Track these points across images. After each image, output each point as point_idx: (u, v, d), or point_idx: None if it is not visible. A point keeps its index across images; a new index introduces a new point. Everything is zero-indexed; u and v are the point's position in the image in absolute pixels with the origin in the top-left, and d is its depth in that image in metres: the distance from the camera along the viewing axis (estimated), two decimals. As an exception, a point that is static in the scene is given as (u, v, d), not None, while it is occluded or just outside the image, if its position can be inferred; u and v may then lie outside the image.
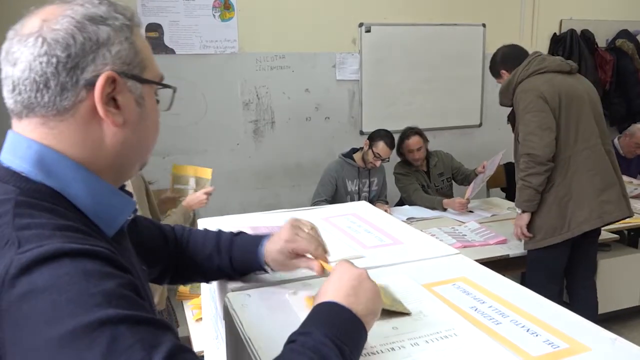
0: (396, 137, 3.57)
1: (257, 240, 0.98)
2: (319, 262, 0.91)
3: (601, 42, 5.05)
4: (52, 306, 0.53)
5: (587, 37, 4.96)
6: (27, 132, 0.68)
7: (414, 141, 3.56)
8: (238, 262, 0.99)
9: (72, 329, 0.52)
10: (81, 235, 0.62)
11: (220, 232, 1.04)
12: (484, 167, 3.48)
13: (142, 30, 0.75)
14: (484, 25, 4.70)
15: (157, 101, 0.79)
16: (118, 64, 0.69)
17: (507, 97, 2.64)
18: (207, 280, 1.09)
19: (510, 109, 2.73)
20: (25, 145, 0.67)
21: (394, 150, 3.56)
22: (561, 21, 4.97)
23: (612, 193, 2.52)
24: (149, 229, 0.99)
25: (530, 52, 2.70)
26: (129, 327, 0.54)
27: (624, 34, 5.09)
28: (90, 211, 0.69)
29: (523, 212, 2.58)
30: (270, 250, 0.94)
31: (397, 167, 3.73)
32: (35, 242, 0.57)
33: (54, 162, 0.67)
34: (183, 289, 2.35)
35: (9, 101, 0.69)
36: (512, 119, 2.74)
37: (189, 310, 2.17)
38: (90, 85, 0.67)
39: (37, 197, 0.64)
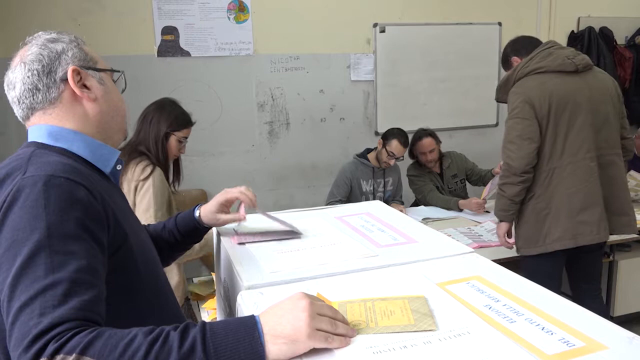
0: (411, 137, 3.55)
1: (194, 206, 1.32)
2: (242, 212, 1.27)
3: (620, 39, 4.97)
4: (18, 218, 0.83)
5: (605, 34, 4.88)
6: (36, 122, 1.01)
7: (426, 143, 3.54)
8: (181, 224, 1.31)
9: (13, 240, 0.81)
10: (74, 171, 0.90)
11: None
12: (500, 168, 3.44)
13: (86, 46, 1.08)
14: (499, 24, 4.66)
15: (115, 82, 1.12)
16: (76, 62, 1.02)
17: (503, 93, 2.48)
18: (171, 252, 1.35)
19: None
20: (37, 128, 1.01)
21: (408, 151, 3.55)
22: (579, 19, 4.90)
23: (593, 213, 2.31)
24: None
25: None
26: (47, 256, 0.79)
27: (644, 30, 5.01)
28: (90, 157, 1.02)
29: (501, 221, 2.48)
30: (205, 207, 1.29)
31: (410, 169, 3.71)
32: (32, 172, 0.87)
33: (58, 132, 1.00)
34: (198, 289, 2.37)
35: (18, 112, 1.03)
36: None
37: (204, 311, 2.18)
38: (64, 79, 1.00)
39: (50, 149, 0.97)
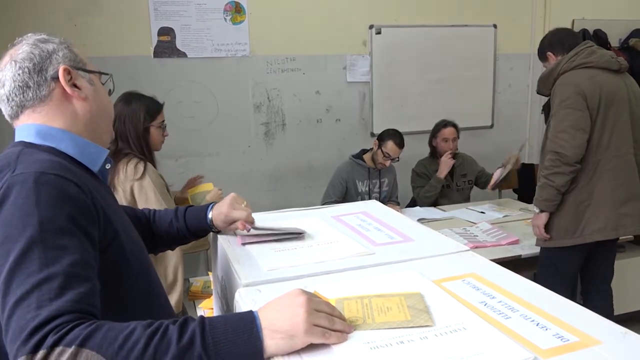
0: (407, 138, 3.57)
1: (204, 208, 1.30)
2: (244, 224, 1.23)
3: (614, 41, 5.00)
4: (10, 215, 0.83)
5: (599, 36, 4.91)
6: (24, 122, 1.02)
7: (450, 131, 3.66)
8: (191, 224, 1.30)
9: (6, 237, 0.81)
10: (63, 168, 0.91)
11: (175, 207, 1.38)
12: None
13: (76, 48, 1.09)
14: (494, 26, 4.68)
15: (103, 85, 1.13)
16: (67, 62, 1.03)
17: (546, 86, 2.51)
18: (171, 245, 1.38)
19: (547, 98, 2.60)
20: (26, 127, 1.01)
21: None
22: (573, 21, 4.93)
23: (634, 206, 2.41)
24: (128, 213, 1.24)
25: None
26: (41, 251, 0.79)
27: (637, 33, 5.03)
28: (78, 156, 1.02)
29: (541, 211, 2.48)
30: (215, 216, 1.27)
31: (419, 165, 3.77)
32: (22, 169, 0.88)
33: (47, 131, 1.00)
34: (195, 288, 2.37)
35: (7, 111, 1.03)
36: (547, 109, 2.61)
37: (201, 310, 2.18)
38: (55, 78, 1.01)
39: (38, 148, 0.97)
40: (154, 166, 2.20)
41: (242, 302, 0.91)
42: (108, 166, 1.10)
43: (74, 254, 0.82)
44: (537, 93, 2.66)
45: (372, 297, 0.89)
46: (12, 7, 3.51)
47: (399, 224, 1.35)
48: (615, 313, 2.84)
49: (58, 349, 0.70)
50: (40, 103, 1.01)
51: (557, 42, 2.55)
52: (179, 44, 3.91)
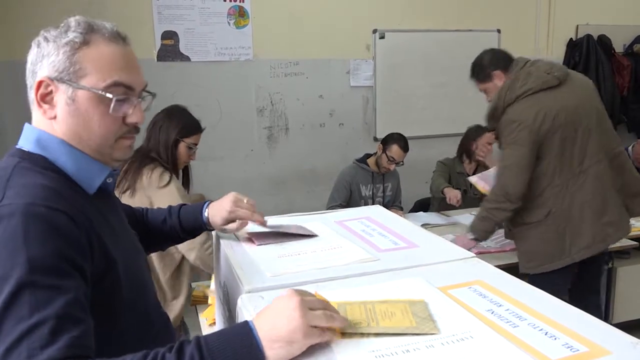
0: (410, 142, 3.55)
1: (200, 206, 1.27)
2: (262, 221, 1.23)
3: (618, 47, 4.99)
4: None
5: (604, 42, 4.90)
6: (33, 122, 0.97)
7: (491, 136, 3.54)
8: (185, 222, 1.27)
9: None
10: (55, 197, 0.85)
11: (169, 205, 1.33)
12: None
13: (105, 48, 0.97)
14: (498, 30, 4.67)
15: (110, 103, 0.95)
16: (52, 72, 0.91)
17: (494, 121, 2.49)
18: (163, 244, 1.37)
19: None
20: (30, 131, 0.96)
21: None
22: (577, 26, 4.93)
23: (614, 212, 2.36)
24: (126, 212, 1.22)
25: (541, 58, 2.51)
26: (31, 293, 0.74)
27: (642, 38, 5.03)
28: (74, 174, 0.94)
29: (475, 239, 2.53)
30: (213, 215, 1.24)
31: (447, 159, 3.73)
32: (10, 199, 0.82)
33: (47, 139, 0.93)
34: (197, 293, 2.35)
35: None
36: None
37: (203, 318, 2.16)
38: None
39: (34, 163, 0.91)
40: (185, 181, 2.30)
41: (245, 309, 0.90)
42: (110, 180, 1.03)
43: (66, 294, 0.77)
44: (489, 130, 2.64)
45: (376, 303, 0.88)
46: (14, 9, 3.51)
47: (404, 229, 1.34)
48: (621, 320, 2.83)
49: None
50: (32, 105, 0.96)
51: (498, 59, 2.50)
52: (182, 48, 3.91)
